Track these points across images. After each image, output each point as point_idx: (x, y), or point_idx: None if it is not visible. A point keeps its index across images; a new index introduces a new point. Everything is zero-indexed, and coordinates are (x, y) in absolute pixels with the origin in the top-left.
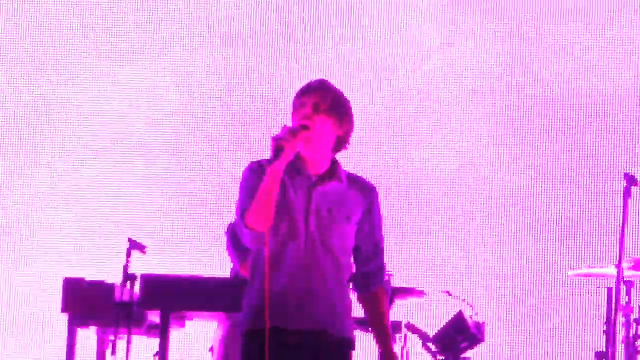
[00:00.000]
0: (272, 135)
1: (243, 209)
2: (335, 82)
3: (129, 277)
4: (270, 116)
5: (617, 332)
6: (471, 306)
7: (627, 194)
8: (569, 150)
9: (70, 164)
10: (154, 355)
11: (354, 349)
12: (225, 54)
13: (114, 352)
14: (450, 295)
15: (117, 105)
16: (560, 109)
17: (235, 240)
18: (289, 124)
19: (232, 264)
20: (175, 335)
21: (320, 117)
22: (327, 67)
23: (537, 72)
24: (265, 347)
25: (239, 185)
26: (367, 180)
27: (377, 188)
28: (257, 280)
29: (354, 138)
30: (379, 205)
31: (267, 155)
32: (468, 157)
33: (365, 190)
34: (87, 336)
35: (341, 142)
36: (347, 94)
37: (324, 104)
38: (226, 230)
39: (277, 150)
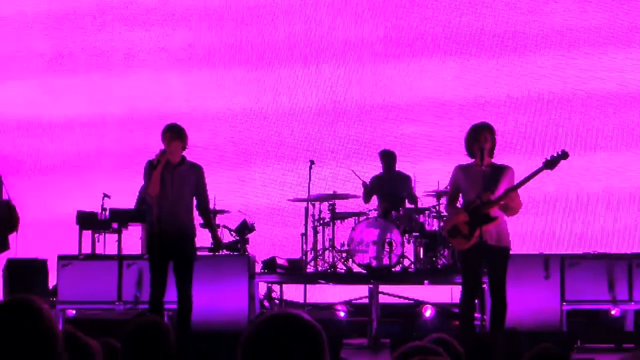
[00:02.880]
0: (155, 155)
1: (145, 186)
2: None
3: None
4: None
5: None
6: None
7: (310, 172)
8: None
9: None
10: None
11: (195, 237)
12: None
13: None
14: None
15: None
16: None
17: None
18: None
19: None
20: None
21: (173, 143)
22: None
23: None
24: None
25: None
26: (198, 163)
27: (202, 167)
28: (151, 215)
29: None
30: (204, 176)
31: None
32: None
33: (196, 169)
34: None
35: (184, 147)
36: None
37: (173, 136)
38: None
39: (157, 163)
